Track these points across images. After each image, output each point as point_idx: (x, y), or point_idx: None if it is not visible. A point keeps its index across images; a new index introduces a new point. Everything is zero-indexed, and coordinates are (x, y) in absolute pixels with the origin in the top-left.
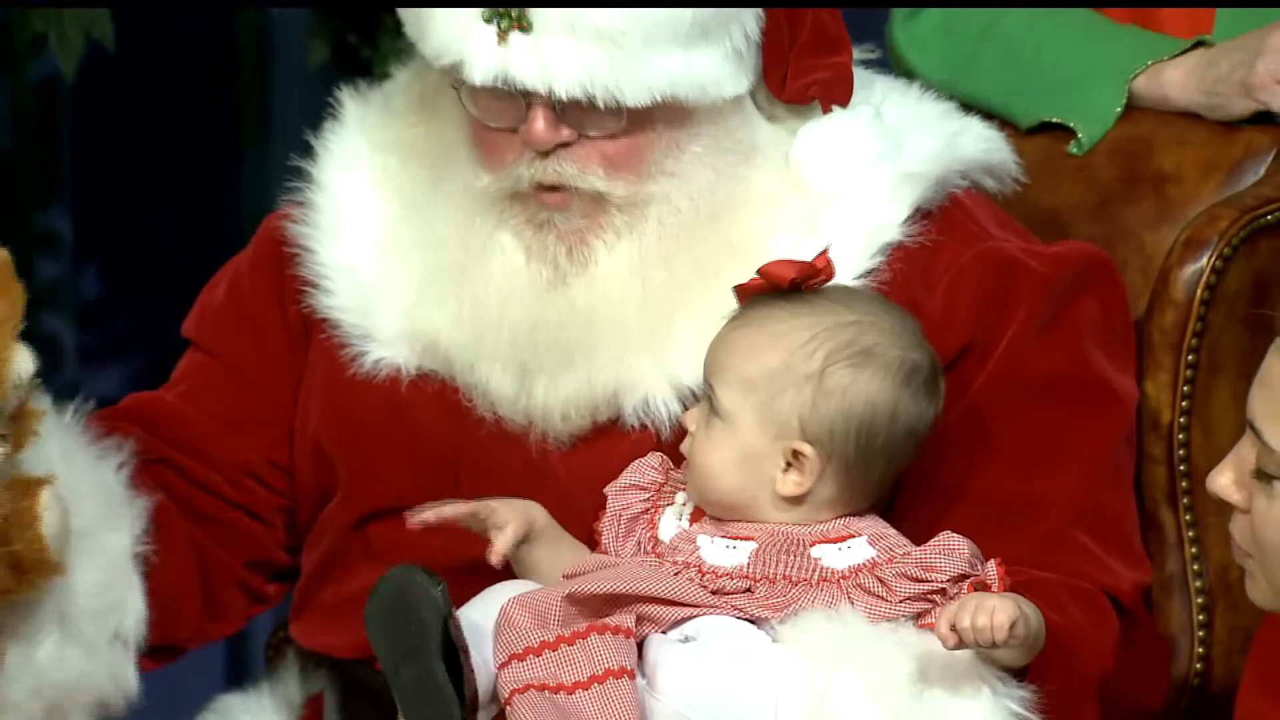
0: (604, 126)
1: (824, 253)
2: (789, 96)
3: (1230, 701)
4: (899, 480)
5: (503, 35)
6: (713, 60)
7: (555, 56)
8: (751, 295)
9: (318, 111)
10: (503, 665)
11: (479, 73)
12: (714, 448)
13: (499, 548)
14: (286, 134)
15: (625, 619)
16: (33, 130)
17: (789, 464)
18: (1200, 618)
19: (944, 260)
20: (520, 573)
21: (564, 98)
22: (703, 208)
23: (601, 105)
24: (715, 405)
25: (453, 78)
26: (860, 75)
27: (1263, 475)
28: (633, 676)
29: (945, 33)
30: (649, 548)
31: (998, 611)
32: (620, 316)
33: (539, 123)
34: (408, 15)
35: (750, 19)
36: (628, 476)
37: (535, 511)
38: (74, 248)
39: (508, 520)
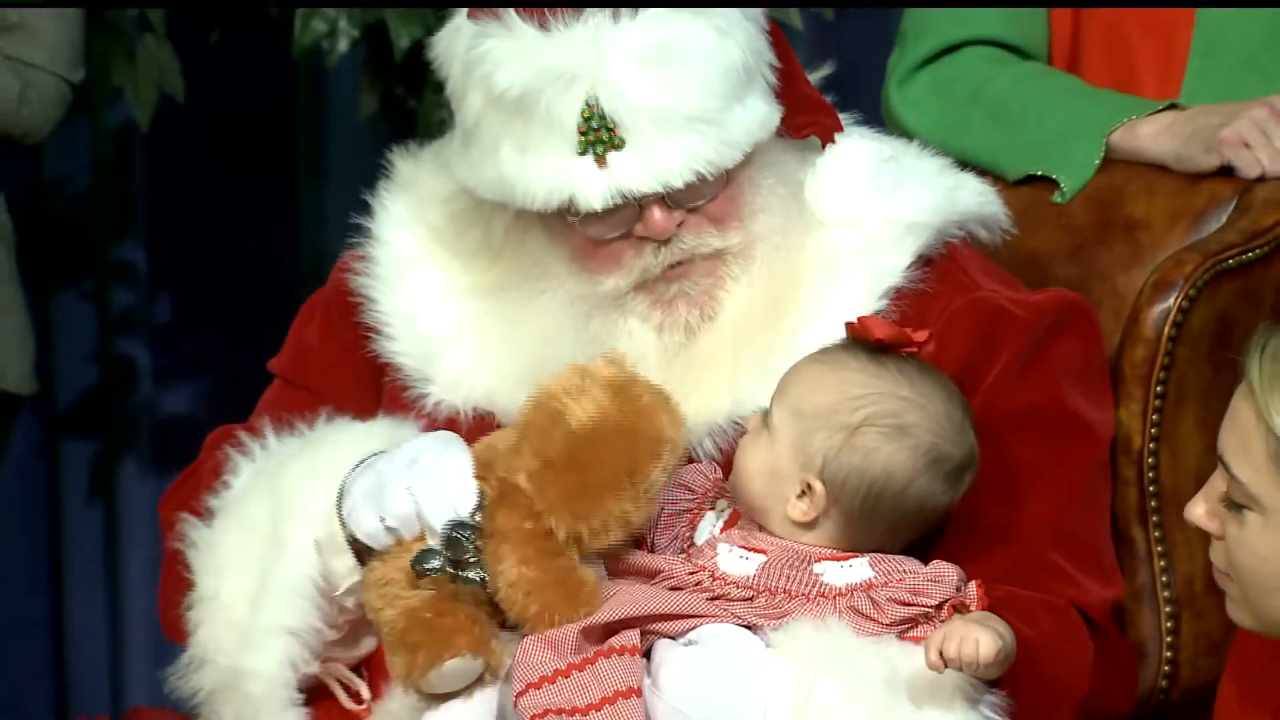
0: (706, 193)
1: (926, 332)
2: (793, 132)
3: (1195, 703)
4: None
5: (600, 160)
6: (759, 100)
7: (657, 157)
8: (860, 332)
9: (367, 156)
10: (520, 694)
11: (596, 200)
12: (755, 452)
13: None
14: (339, 176)
15: (631, 637)
16: (110, 172)
17: (802, 492)
18: (1168, 625)
19: (938, 306)
20: None
21: (680, 187)
22: (790, 233)
23: (709, 178)
24: (769, 417)
25: (555, 212)
26: (866, 132)
27: (1233, 504)
28: (640, 694)
29: (938, 95)
30: (684, 545)
31: (982, 644)
32: (730, 350)
33: (659, 217)
34: (485, 182)
35: (768, 52)
36: (682, 476)
37: None
38: (148, 278)
39: None
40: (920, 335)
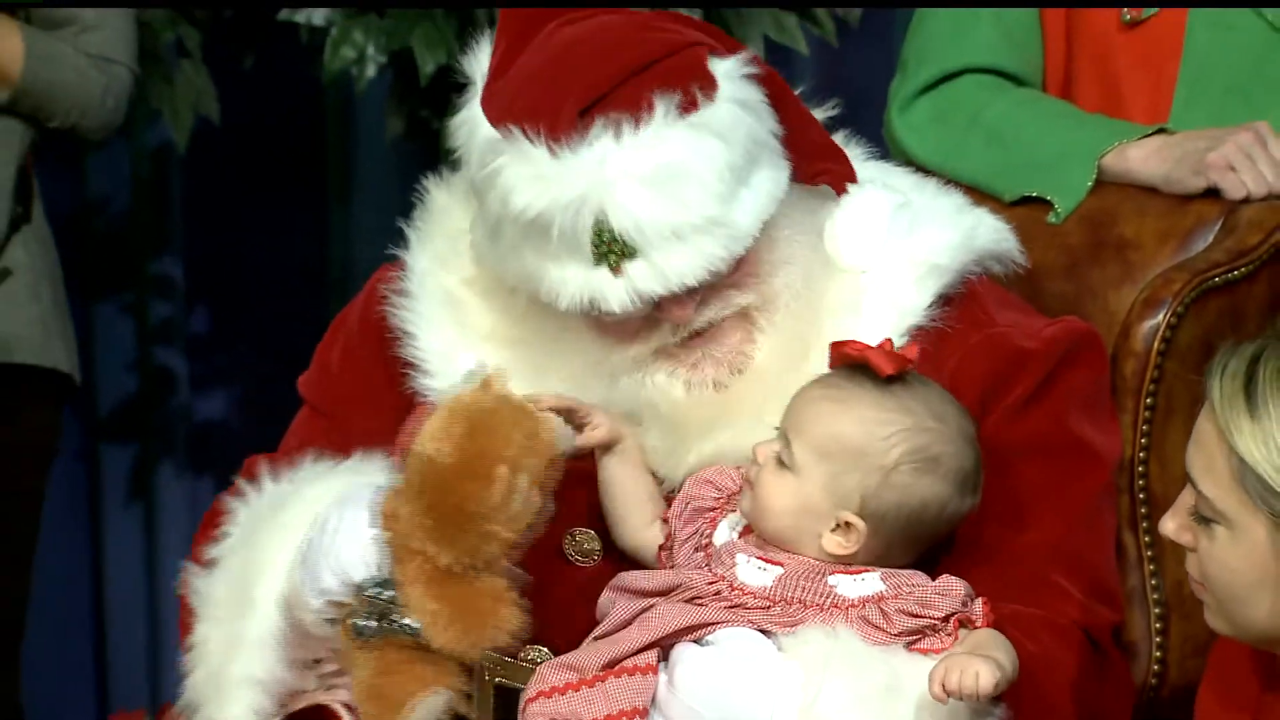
0: (723, 273)
1: (912, 346)
2: (804, 180)
3: (1183, 701)
4: None
5: (615, 269)
6: (765, 172)
7: (672, 263)
8: (845, 360)
9: (393, 175)
10: (530, 700)
11: (615, 305)
12: (779, 492)
13: (588, 437)
14: (366, 193)
15: (649, 657)
16: (149, 191)
17: (838, 527)
18: (1157, 625)
19: (954, 343)
20: (600, 478)
21: (695, 285)
22: (813, 282)
23: (724, 269)
24: (789, 456)
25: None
26: (881, 168)
27: (1202, 519)
28: (645, 715)
29: (937, 120)
30: (703, 544)
31: (982, 676)
32: (763, 393)
33: (677, 311)
34: (511, 274)
35: (771, 124)
36: (709, 473)
37: (625, 432)
38: (185, 291)
39: (602, 423)
40: (913, 353)
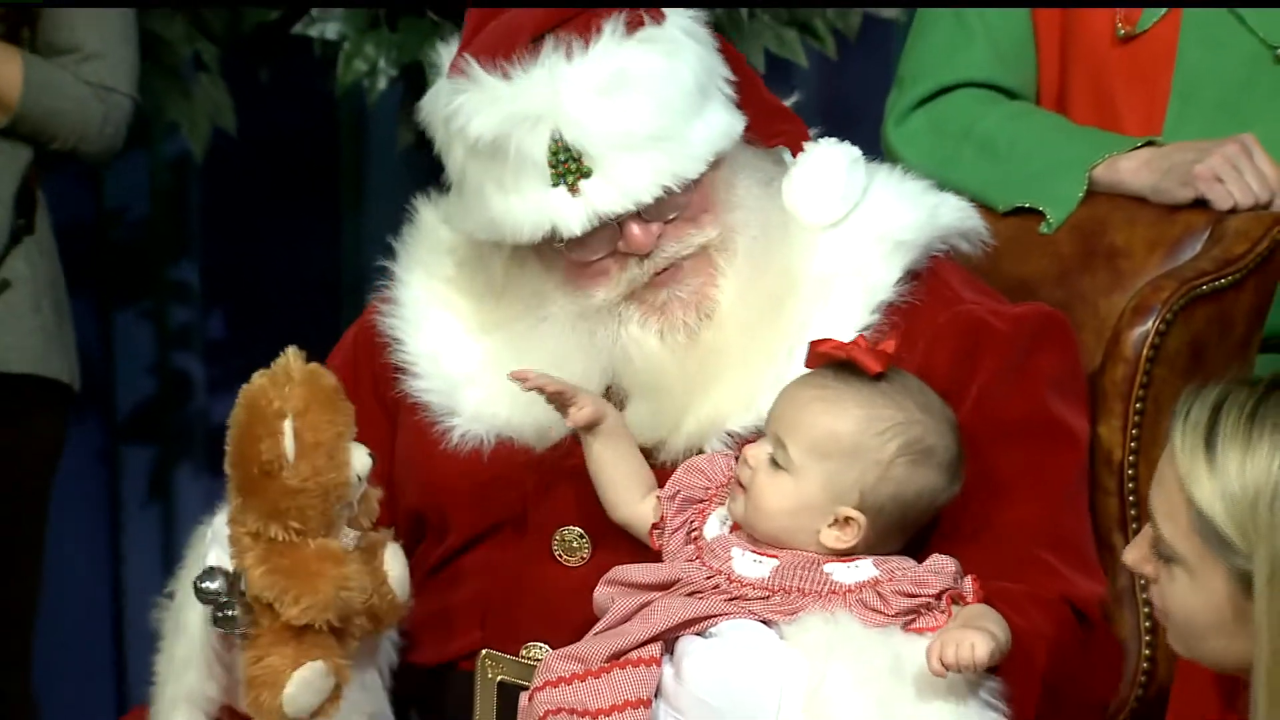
0: (679, 204)
1: (891, 341)
2: (761, 141)
3: None
4: None
5: (573, 188)
6: (719, 112)
7: (626, 178)
8: (827, 360)
9: (403, 184)
10: (538, 689)
11: (575, 226)
12: (775, 493)
13: (575, 417)
14: (378, 202)
15: (653, 650)
16: (167, 200)
17: (836, 521)
18: (1146, 624)
19: (924, 321)
20: (589, 458)
21: (650, 202)
22: (771, 231)
23: (677, 190)
24: (783, 457)
25: (539, 241)
26: (846, 148)
27: (1161, 555)
28: (648, 705)
29: (932, 132)
30: (693, 536)
31: (977, 646)
32: (738, 345)
33: (637, 233)
34: (478, 225)
35: (721, 67)
36: (699, 461)
37: (609, 410)
38: (202, 297)
39: (586, 404)
40: (890, 347)
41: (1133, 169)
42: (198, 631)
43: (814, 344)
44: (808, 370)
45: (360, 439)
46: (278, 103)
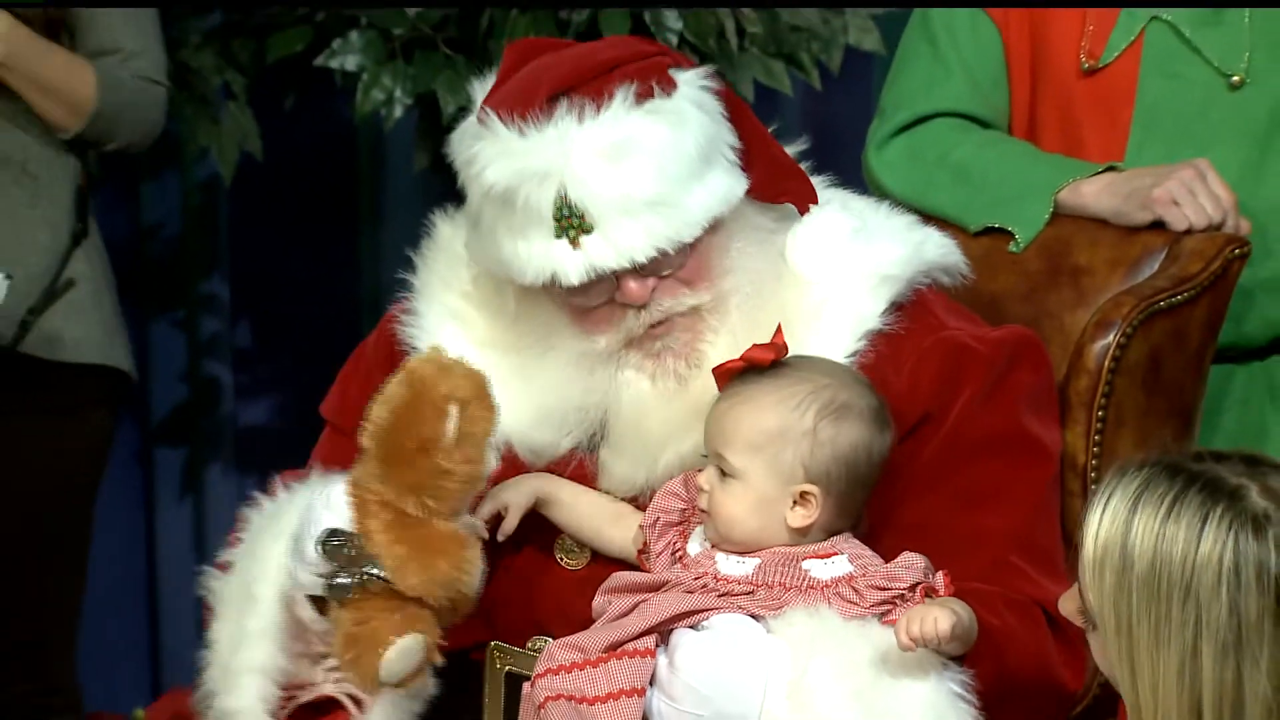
0: (674, 263)
1: (779, 333)
2: (768, 200)
3: None
4: (872, 518)
5: (574, 242)
6: (720, 175)
7: (623, 238)
8: (730, 375)
9: (418, 205)
10: (539, 676)
11: (573, 277)
12: (732, 500)
13: (505, 527)
14: (395, 220)
15: (648, 642)
16: (198, 218)
17: (796, 502)
18: None
19: (909, 346)
20: (559, 525)
21: (644, 262)
22: (764, 287)
23: (671, 252)
24: (727, 466)
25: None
26: (840, 195)
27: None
28: (643, 694)
29: (910, 158)
30: (678, 556)
31: (939, 620)
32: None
33: (632, 287)
34: (490, 261)
35: (726, 134)
36: (673, 485)
37: (539, 484)
38: (230, 308)
39: (508, 502)
40: (780, 338)
41: (1094, 193)
42: (272, 604)
43: (715, 369)
44: (719, 393)
45: None
46: (301, 129)
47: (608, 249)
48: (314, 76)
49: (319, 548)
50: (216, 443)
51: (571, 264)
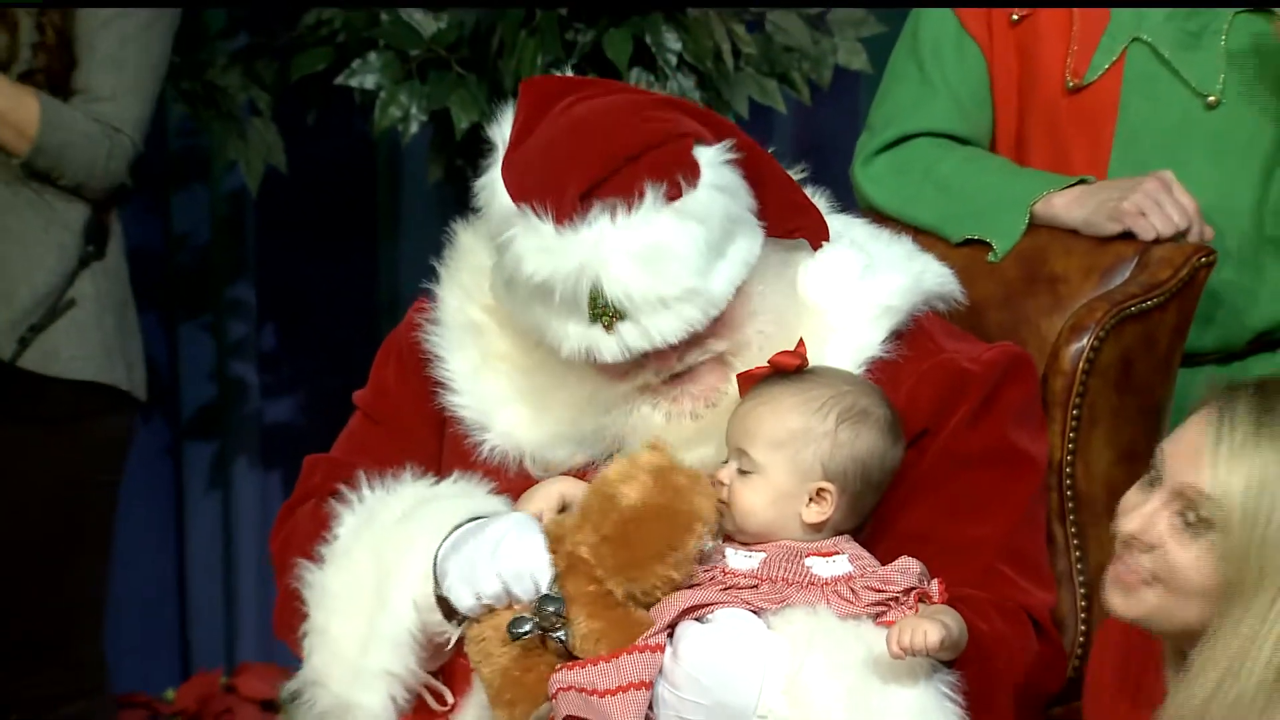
0: (704, 330)
1: (801, 343)
2: (781, 236)
3: None
4: (870, 525)
5: (608, 328)
6: (740, 241)
7: (656, 325)
8: (755, 381)
9: (433, 214)
10: (554, 670)
11: (606, 356)
12: (752, 494)
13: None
14: (411, 229)
15: (660, 637)
16: (226, 227)
17: (812, 499)
18: (1082, 604)
19: (907, 370)
20: None
21: (676, 344)
22: (784, 324)
23: (702, 329)
24: (748, 463)
25: None
26: (843, 220)
27: (1187, 522)
28: (650, 687)
29: (895, 173)
30: None
31: (929, 633)
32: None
33: (662, 362)
34: (524, 323)
35: (746, 199)
36: None
37: (562, 488)
38: (256, 312)
39: (539, 509)
40: (802, 349)
41: (1065, 204)
42: (409, 612)
43: (740, 375)
44: (742, 397)
45: (413, 443)
46: (322, 144)
47: (640, 334)
48: (334, 94)
49: (534, 601)
50: (243, 439)
51: (606, 346)
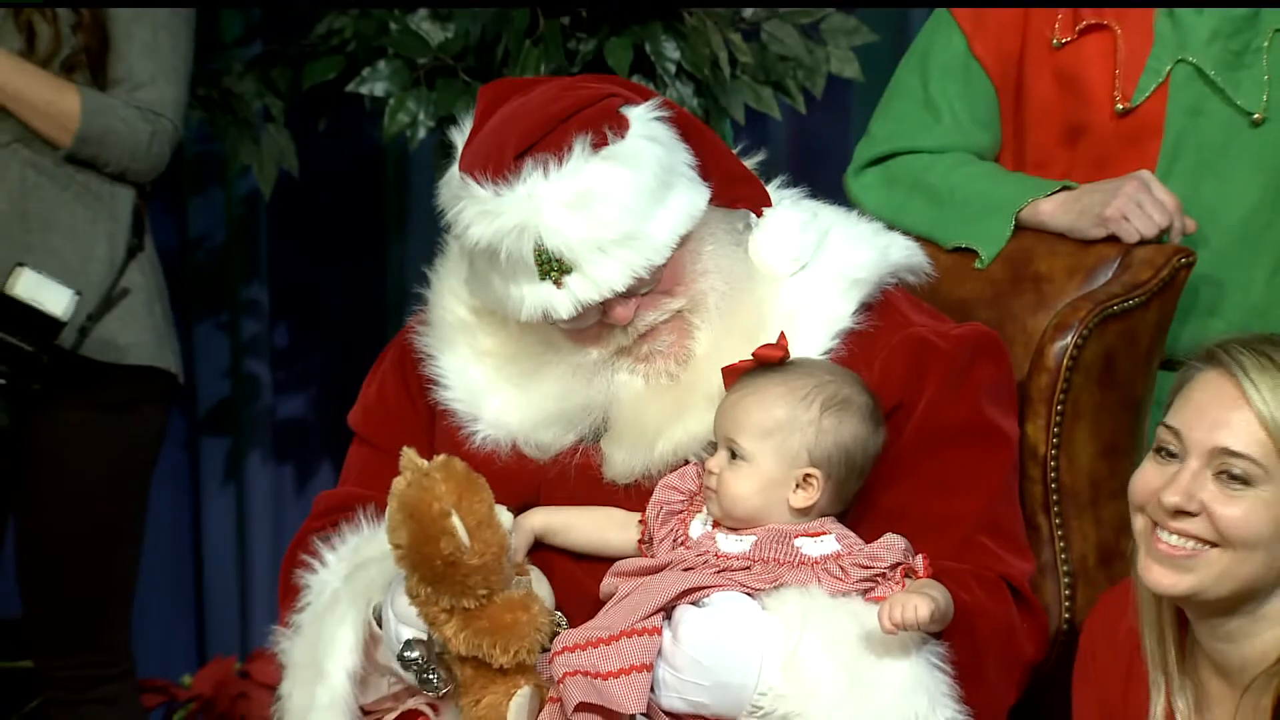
0: (651, 281)
1: (783, 336)
2: (725, 205)
3: None
4: (854, 504)
5: (558, 283)
6: (681, 195)
7: (601, 273)
8: (741, 373)
9: (440, 218)
10: (556, 653)
11: (561, 312)
12: (741, 481)
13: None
14: (418, 231)
15: (656, 620)
16: (240, 229)
17: (799, 484)
18: (1066, 593)
19: (879, 342)
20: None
21: (623, 290)
22: (737, 284)
23: (647, 276)
24: (737, 452)
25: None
26: (812, 204)
27: (1233, 479)
28: (651, 669)
29: (886, 183)
30: (681, 541)
31: (919, 607)
32: (714, 382)
33: (618, 311)
34: (486, 299)
35: (683, 155)
36: (671, 479)
37: (532, 524)
38: (269, 311)
39: (514, 549)
40: (784, 341)
41: (1050, 210)
42: (342, 681)
43: (724, 369)
44: (728, 389)
45: (409, 440)
46: (333, 149)
47: (589, 285)
48: (345, 101)
49: (400, 659)
50: (256, 433)
51: (559, 301)
